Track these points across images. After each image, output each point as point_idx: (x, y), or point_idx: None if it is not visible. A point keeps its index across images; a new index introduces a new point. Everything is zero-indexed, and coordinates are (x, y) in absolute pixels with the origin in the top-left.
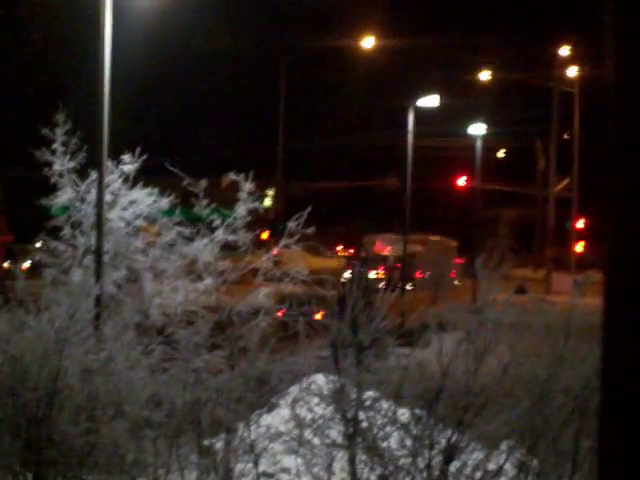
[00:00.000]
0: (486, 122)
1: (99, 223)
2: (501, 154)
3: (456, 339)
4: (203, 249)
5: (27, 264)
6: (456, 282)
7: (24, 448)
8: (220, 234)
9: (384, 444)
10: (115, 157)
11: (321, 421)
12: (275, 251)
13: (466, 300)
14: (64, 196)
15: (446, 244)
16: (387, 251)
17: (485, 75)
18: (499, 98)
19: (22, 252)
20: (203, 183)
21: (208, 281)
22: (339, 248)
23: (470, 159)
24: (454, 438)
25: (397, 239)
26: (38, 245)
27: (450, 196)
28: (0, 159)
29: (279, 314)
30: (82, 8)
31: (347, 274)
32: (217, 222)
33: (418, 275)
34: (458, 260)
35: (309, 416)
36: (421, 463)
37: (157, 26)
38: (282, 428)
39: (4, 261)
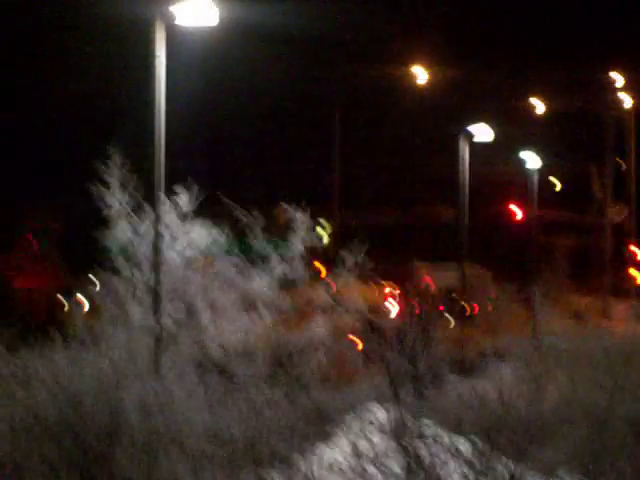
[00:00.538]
0: (540, 150)
1: (156, 257)
2: (556, 182)
3: (515, 368)
4: (260, 283)
5: (86, 301)
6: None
7: None
8: (277, 268)
9: (443, 474)
10: (170, 191)
11: (380, 452)
12: (332, 284)
13: (518, 330)
14: (121, 232)
15: (482, 274)
16: (428, 282)
17: (538, 102)
18: (553, 125)
19: (80, 289)
20: (258, 215)
21: (265, 315)
22: (380, 281)
23: (526, 189)
24: (515, 468)
25: (437, 269)
26: (96, 282)
27: (506, 225)
28: (59, 195)
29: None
30: (135, 44)
31: (388, 305)
32: (274, 256)
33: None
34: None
35: (368, 447)
36: None
37: (210, 59)
38: (340, 459)
39: (61, 299)
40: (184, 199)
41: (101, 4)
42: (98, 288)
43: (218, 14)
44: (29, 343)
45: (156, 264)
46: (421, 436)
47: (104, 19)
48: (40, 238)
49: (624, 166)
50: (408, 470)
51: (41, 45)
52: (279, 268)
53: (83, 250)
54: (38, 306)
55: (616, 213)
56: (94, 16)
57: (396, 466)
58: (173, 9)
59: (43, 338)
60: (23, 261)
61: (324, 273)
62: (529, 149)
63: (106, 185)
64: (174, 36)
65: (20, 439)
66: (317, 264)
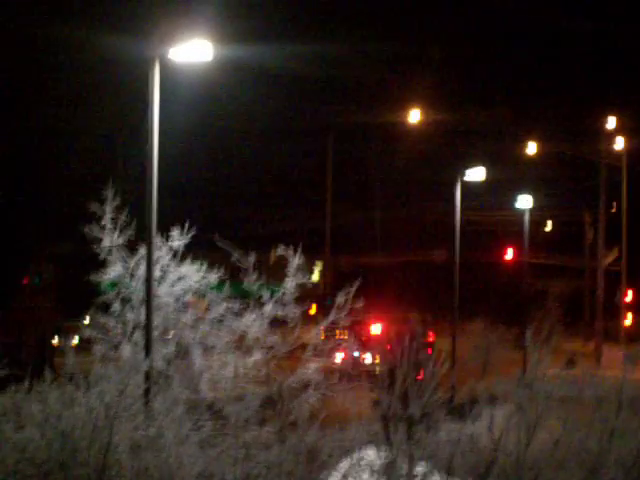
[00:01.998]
0: (534, 194)
1: (148, 299)
2: (549, 227)
3: (507, 412)
4: (252, 324)
5: (77, 340)
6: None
7: None
8: (269, 309)
9: None
10: (164, 233)
11: None
12: (323, 327)
13: (510, 374)
14: (113, 272)
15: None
16: (375, 331)
17: (532, 147)
18: (547, 170)
19: (72, 328)
20: (252, 258)
21: (257, 356)
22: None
23: (518, 232)
24: None
25: (387, 319)
26: (88, 321)
27: (498, 269)
28: (51, 236)
29: None
30: (130, 85)
31: (338, 357)
32: (266, 297)
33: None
34: (432, 337)
35: None
36: None
37: (205, 101)
38: None
39: (53, 337)
40: (178, 240)
41: (98, 47)
42: (91, 328)
43: (212, 52)
44: (20, 382)
45: (148, 304)
46: (412, 478)
47: (101, 61)
48: (32, 277)
49: (614, 208)
50: None
51: (36, 87)
52: (272, 311)
53: (76, 290)
54: (30, 344)
55: (608, 257)
56: (90, 59)
57: None
58: (170, 53)
59: (35, 377)
60: (14, 299)
61: (317, 316)
62: (523, 193)
63: (100, 226)
64: (171, 72)
65: (11, 479)
66: (310, 306)
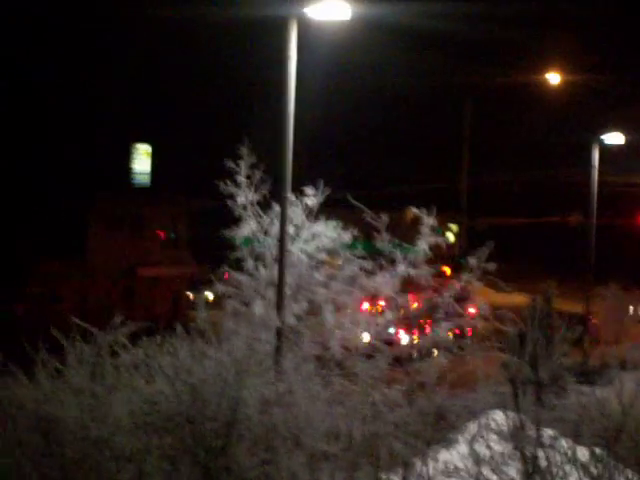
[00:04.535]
0: None
1: (281, 256)
2: None
3: (638, 378)
4: (384, 283)
5: (210, 294)
6: None
7: (202, 478)
8: (401, 268)
9: None
10: (298, 190)
11: (499, 458)
12: (457, 286)
13: None
14: (247, 228)
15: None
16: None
17: None
18: None
19: (205, 283)
20: (385, 217)
21: (389, 315)
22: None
23: None
24: (634, 479)
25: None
26: (221, 276)
27: (634, 233)
28: (187, 191)
29: None
30: (267, 43)
31: (365, 335)
32: (398, 256)
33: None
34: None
35: (487, 453)
36: None
37: (342, 59)
38: (459, 464)
39: (188, 291)
40: (312, 198)
41: (234, 4)
42: (224, 284)
43: (350, 10)
44: (152, 334)
45: (281, 261)
46: (540, 443)
47: (234, 19)
48: (168, 231)
49: None
50: (526, 476)
51: (176, 45)
52: (404, 269)
53: (210, 245)
54: (162, 297)
55: None
56: (225, 16)
57: (514, 471)
58: (307, 10)
59: (166, 330)
60: (150, 252)
61: (449, 275)
62: None
63: (235, 183)
64: (306, 31)
65: (140, 431)
66: (443, 266)
